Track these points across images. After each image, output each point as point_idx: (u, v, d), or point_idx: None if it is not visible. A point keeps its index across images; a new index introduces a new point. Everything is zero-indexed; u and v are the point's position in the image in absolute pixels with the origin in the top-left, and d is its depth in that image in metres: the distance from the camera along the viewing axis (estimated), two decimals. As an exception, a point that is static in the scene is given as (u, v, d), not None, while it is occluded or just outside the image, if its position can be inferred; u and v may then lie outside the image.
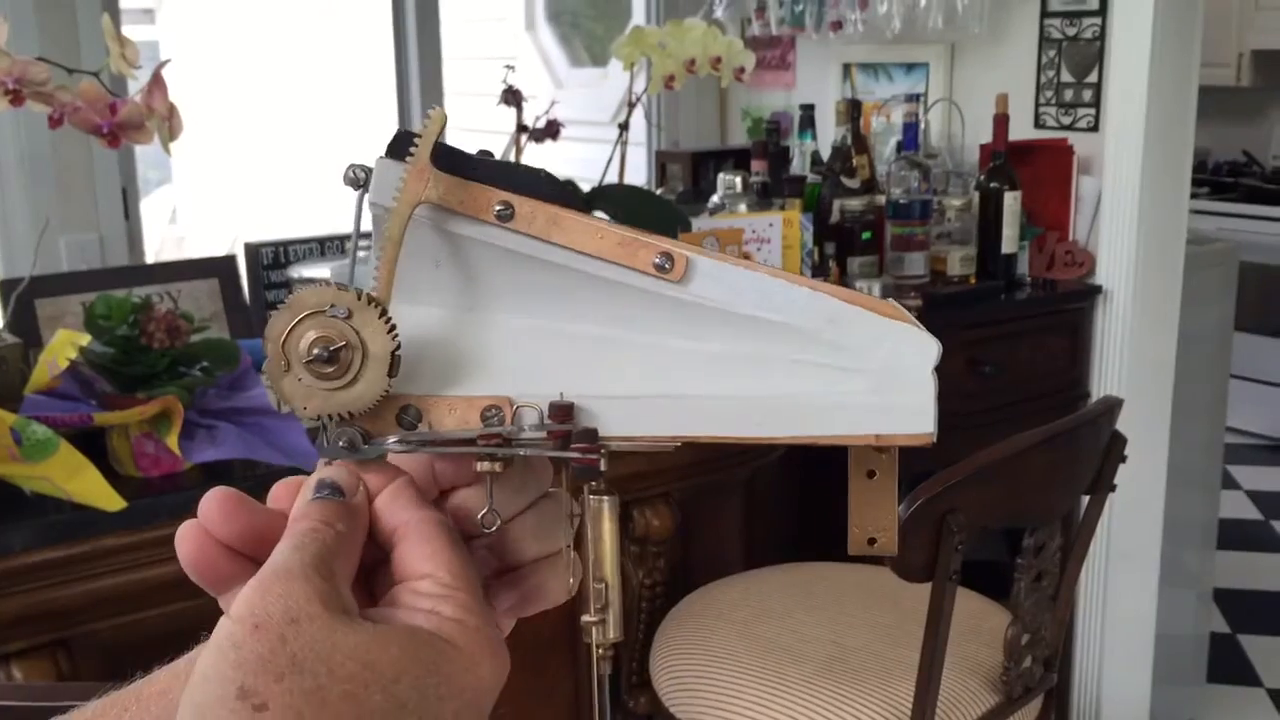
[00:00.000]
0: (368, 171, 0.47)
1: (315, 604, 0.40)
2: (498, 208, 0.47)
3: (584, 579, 0.50)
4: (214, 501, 0.46)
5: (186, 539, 0.46)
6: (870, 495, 0.49)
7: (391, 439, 0.48)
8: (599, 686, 0.51)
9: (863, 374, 0.47)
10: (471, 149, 0.48)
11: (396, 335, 0.46)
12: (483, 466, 0.48)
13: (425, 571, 0.45)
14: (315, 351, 0.46)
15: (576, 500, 0.50)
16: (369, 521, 0.47)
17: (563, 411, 0.47)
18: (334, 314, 0.46)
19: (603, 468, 0.48)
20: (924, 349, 0.47)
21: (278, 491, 0.48)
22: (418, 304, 0.49)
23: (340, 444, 0.47)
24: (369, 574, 0.48)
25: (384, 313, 0.46)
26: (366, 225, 0.49)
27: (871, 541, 0.50)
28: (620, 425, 0.48)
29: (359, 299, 0.46)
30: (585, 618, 0.49)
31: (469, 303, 0.50)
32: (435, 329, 0.49)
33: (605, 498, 0.49)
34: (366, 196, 0.48)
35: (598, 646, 0.49)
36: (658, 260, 0.47)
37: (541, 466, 0.50)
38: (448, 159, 0.47)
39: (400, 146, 0.47)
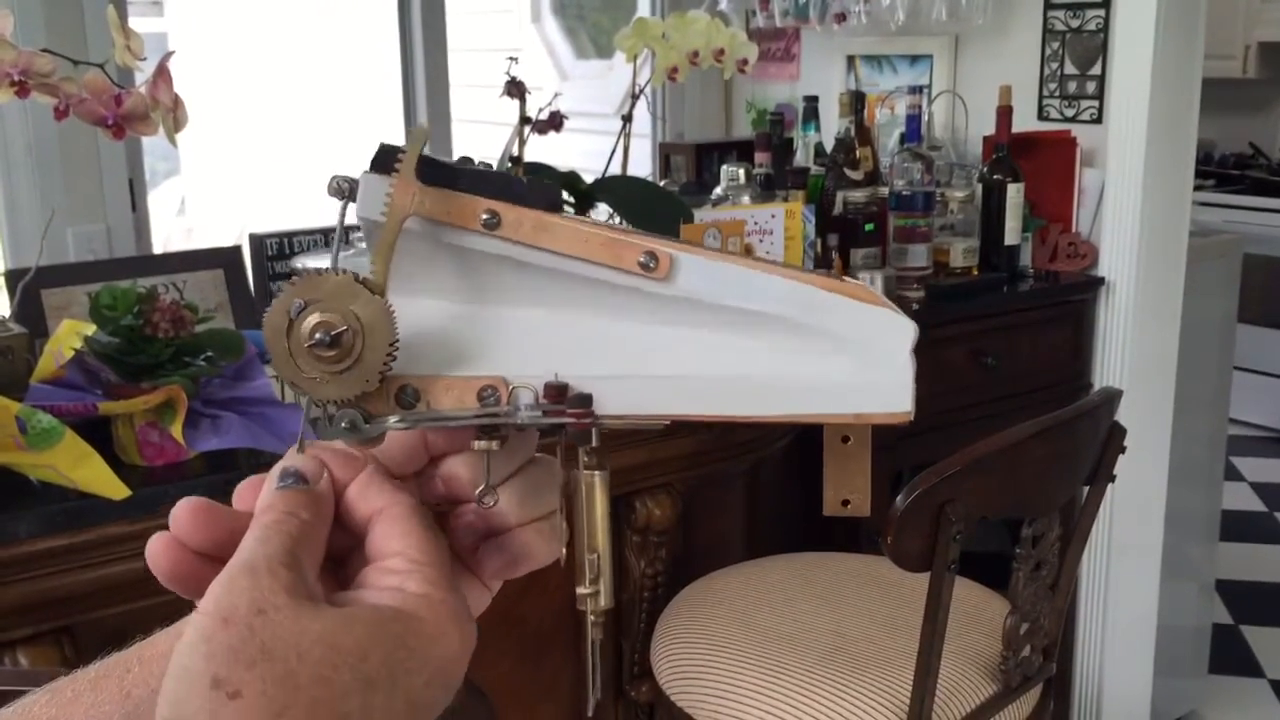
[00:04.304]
0: (351, 183, 0.48)
1: (280, 594, 0.42)
2: (484, 216, 0.49)
3: (577, 552, 0.51)
4: (185, 512, 0.47)
5: (159, 552, 0.47)
6: (845, 459, 0.51)
7: (392, 419, 0.49)
8: (593, 650, 0.53)
9: (844, 356, 0.49)
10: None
11: (394, 317, 0.47)
12: (480, 445, 0.49)
13: (395, 550, 0.46)
14: (317, 336, 0.47)
15: (569, 473, 0.52)
16: (335, 508, 0.48)
17: (557, 391, 0.49)
18: (333, 302, 0.47)
19: (595, 441, 0.50)
20: (902, 331, 0.49)
21: (243, 491, 0.49)
22: (414, 296, 0.50)
23: (342, 425, 0.48)
24: (342, 561, 0.49)
25: (381, 295, 0.47)
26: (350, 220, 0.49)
27: (845, 503, 0.52)
28: (612, 404, 0.50)
29: (355, 282, 0.47)
30: (580, 589, 0.51)
31: (463, 296, 0.51)
32: (431, 319, 0.50)
33: (596, 472, 0.50)
34: (354, 208, 0.48)
35: (592, 614, 0.51)
36: (642, 259, 0.49)
37: (529, 433, 0.51)
38: (432, 172, 0.48)
39: (384, 161, 0.48)
